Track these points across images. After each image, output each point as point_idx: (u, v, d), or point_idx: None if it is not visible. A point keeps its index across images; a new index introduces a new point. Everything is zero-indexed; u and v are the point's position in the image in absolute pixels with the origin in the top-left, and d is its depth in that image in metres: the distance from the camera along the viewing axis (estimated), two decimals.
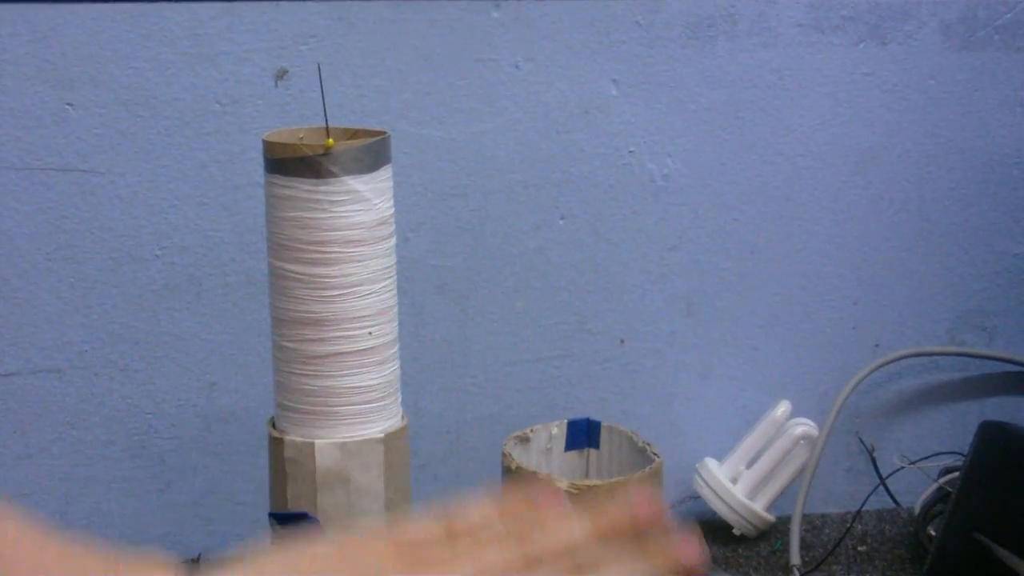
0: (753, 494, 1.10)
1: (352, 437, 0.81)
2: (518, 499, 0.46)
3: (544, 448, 1.03)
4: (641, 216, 1.11)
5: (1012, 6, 1.11)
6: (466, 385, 1.11)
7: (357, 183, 0.79)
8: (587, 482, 0.91)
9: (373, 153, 0.80)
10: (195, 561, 0.38)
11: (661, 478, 0.96)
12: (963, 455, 1.02)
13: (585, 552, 0.45)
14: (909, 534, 1.11)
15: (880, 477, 1.13)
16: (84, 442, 1.06)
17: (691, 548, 0.46)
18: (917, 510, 1.09)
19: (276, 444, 0.82)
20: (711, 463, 1.12)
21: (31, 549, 0.36)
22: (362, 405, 0.82)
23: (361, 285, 0.81)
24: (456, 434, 1.11)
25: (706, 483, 1.10)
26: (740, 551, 1.10)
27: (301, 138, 0.81)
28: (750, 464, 1.11)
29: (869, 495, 1.12)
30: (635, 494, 0.47)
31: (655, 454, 0.97)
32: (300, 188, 0.79)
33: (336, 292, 0.80)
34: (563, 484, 0.92)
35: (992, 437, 0.98)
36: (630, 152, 1.10)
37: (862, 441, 1.17)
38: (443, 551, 0.43)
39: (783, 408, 1.12)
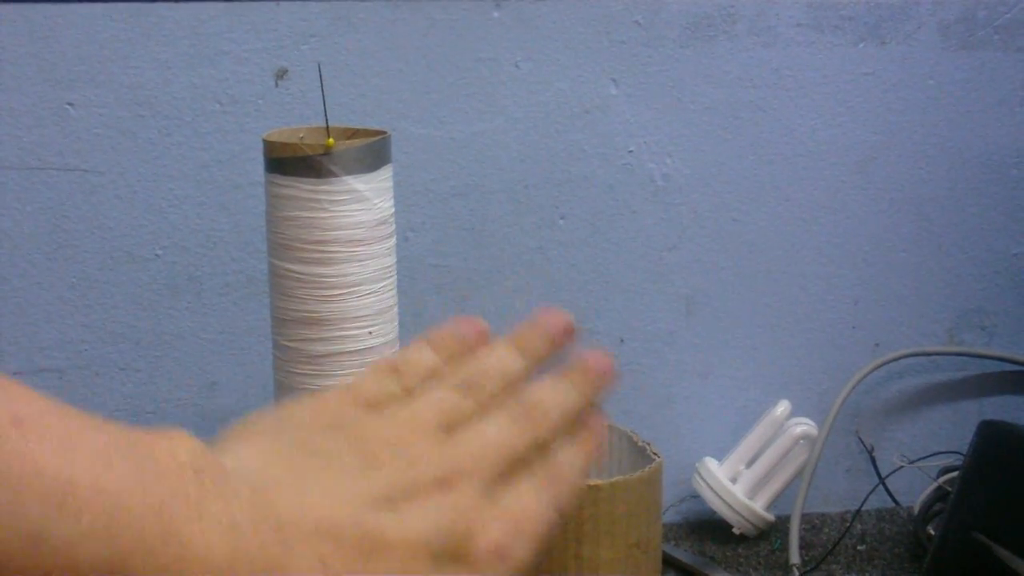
0: (753, 493, 1.10)
1: None
2: (451, 339, 0.51)
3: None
4: (641, 216, 1.11)
5: (1011, 6, 1.12)
6: None
7: (357, 183, 0.79)
8: (588, 481, 0.91)
9: (373, 153, 0.80)
10: None
11: (661, 477, 0.96)
12: (962, 454, 1.02)
13: (521, 380, 0.50)
14: (908, 533, 1.11)
15: (879, 476, 1.13)
16: None
17: (601, 358, 0.52)
18: (916, 509, 1.09)
19: None
20: (711, 462, 1.12)
21: (53, 421, 0.37)
22: None
23: (361, 285, 0.81)
24: None
25: (706, 482, 1.10)
26: (740, 550, 1.10)
27: (301, 138, 0.81)
28: (750, 463, 1.11)
29: (868, 494, 1.12)
30: (546, 314, 0.53)
31: (655, 453, 0.97)
32: (300, 188, 0.79)
33: (336, 292, 0.80)
34: None
35: (991, 436, 0.98)
36: (630, 152, 1.10)
37: (861, 440, 1.17)
38: (395, 389, 0.48)
39: (783, 407, 1.12)
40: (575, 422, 0.50)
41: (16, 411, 0.36)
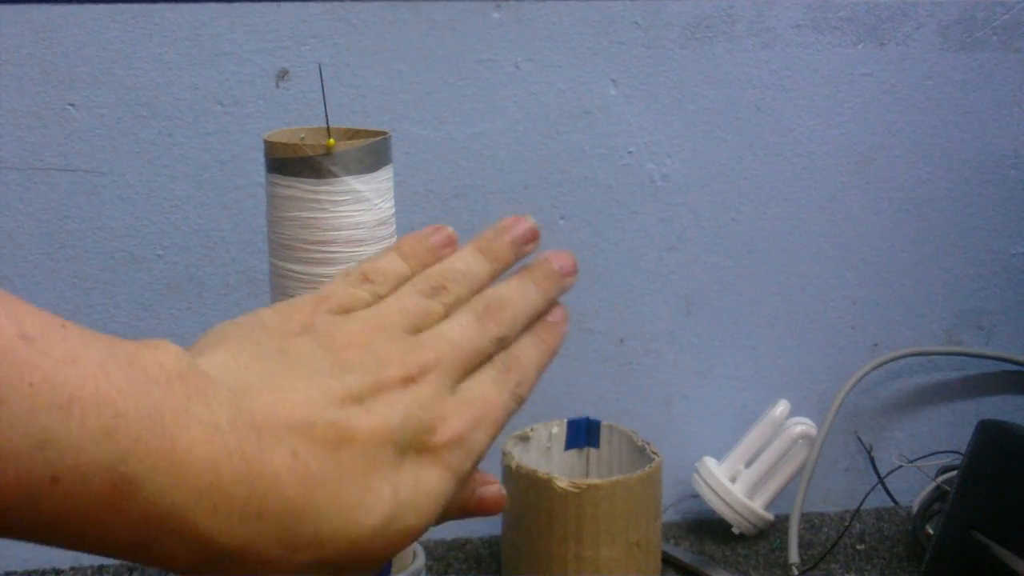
0: (752, 493, 1.11)
1: None
2: (415, 241, 0.54)
3: (544, 447, 1.04)
4: (641, 216, 1.11)
5: (1010, 7, 1.12)
6: None
7: (358, 183, 0.80)
8: (588, 481, 0.92)
9: (374, 153, 0.81)
10: None
11: (660, 477, 0.96)
12: (961, 454, 1.03)
13: (484, 280, 0.53)
14: (907, 533, 1.12)
15: (878, 476, 1.13)
16: None
17: (564, 257, 0.55)
18: (915, 509, 1.10)
19: None
20: (710, 462, 1.12)
21: (59, 334, 0.40)
22: None
23: None
24: None
25: (705, 482, 1.11)
26: (739, 550, 1.10)
27: (302, 138, 0.82)
28: (749, 463, 1.11)
29: (867, 494, 1.12)
30: (511, 220, 0.56)
31: (655, 453, 0.97)
32: (301, 188, 0.80)
33: None
34: (564, 483, 0.92)
35: (990, 436, 0.98)
36: (629, 152, 1.10)
37: (860, 440, 1.17)
38: (366, 297, 0.51)
39: (782, 407, 1.12)
40: (537, 318, 0.53)
41: (24, 327, 0.39)
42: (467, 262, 0.53)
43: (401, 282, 0.52)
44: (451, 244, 0.55)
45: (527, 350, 0.52)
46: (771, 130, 1.12)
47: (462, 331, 0.50)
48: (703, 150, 1.11)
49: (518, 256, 0.55)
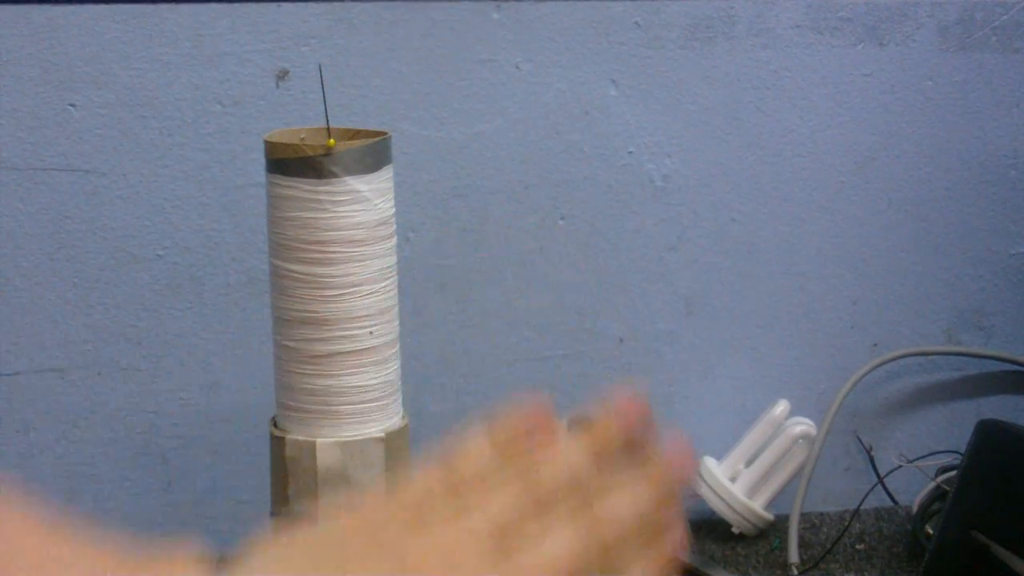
0: (752, 493, 1.11)
1: (353, 436, 0.81)
2: (513, 429, 0.47)
3: None
4: (641, 216, 1.11)
5: (1009, 8, 1.12)
6: (466, 385, 1.11)
7: (358, 183, 0.80)
8: None
9: (374, 153, 0.81)
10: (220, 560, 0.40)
11: None
12: (961, 454, 1.03)
13: (589, 481, 0.46)
14: (907, 532, 1.12)
15: (878, 476, 1.13)
16: (86, 441, 1.07)
17: (683, 453, 0.48)
18: (915, 509, 1.09)
19: (278, 443, 0.83)
20: (710, 462, 1.12)
21: (34, 541, 0.37)
22: (363, 404, 0.82)
23: (362, 285, 0.81)
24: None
25: (705, 482, 1.11)
26: (739, 549, 1.10)
27: (302, 138, 0.82)
28: (749, 463, 1.11)
29: (867, 494, 1.12)
30: (623, 404, 0.48)
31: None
32: (301, 188, 0.80)
33: (337, 292, 0.81)
34: None
35: (989, 436, 0.98)
36: (630, 152, 1.10)
37: (860, 440, 1.17)
38: (450, 505, 0.44)
39: (782, 407, 1.12)
40: (651, 527, 0.46)
41: (13, 539, 0.36)
42: (568, 457, 0.46)
43: (493, 481, 0.45)
44: (548, 424, 0.47)
45: (637, 562, 0.45)
46: (771, 130, 1.12)
47: (559, 548, 0.43)
48: (703, 150, 1.11)
49: (628, 444, 0.48)
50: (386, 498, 0.44)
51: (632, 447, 0.48)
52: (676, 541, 0.46)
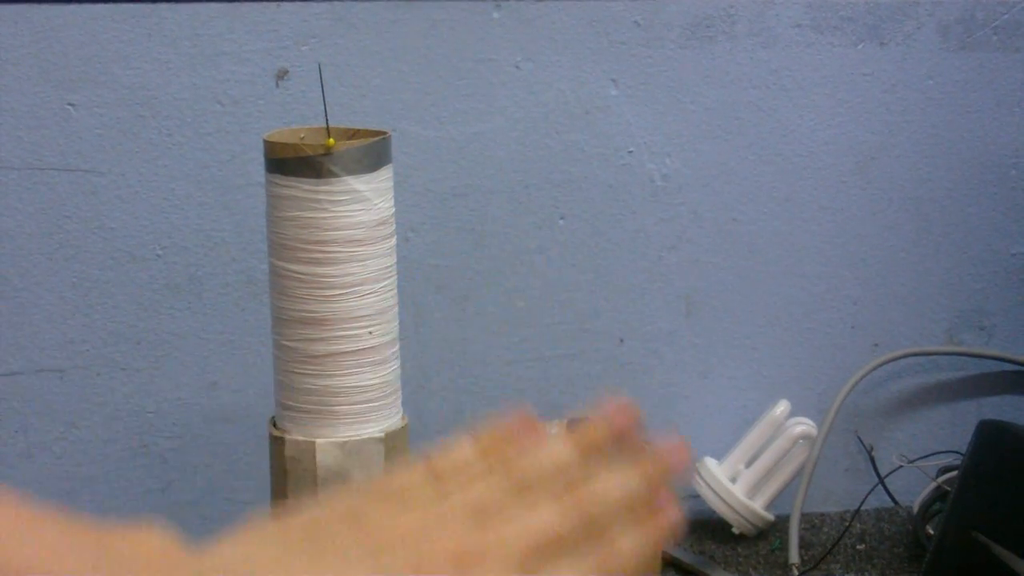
0: (752, 493, 1.10)
1: (353, 436, 0.81)
2: (497, 432, 0.47)
3: None
4: (641, 216, 1.11)
5: (1010, 7, 1.12)
6: (466, 385, 1.11)
7: (358, 183, 0.80)
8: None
9: (374, 153, 0.81)
10: None
11: None
12: (961, 454, 1.02)
13: (573, 469, 0.46)
14: (908, 533, 1.11)
15: (879, 476, 1.13)
16: (85, 441, 1.07)
17: (676, 446, 0.48)
18: (915, 509, 1.09)
19: (277, 443, 0.83)
20: (710, 462, 1.12)
21: (6, 515, 0.37)
22: (362, 404, 0.82)
23: (361, 285, 0.81)
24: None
25: (705, 482, 1.10)
26: (739, 550, 1.10)
27: (302, 138, 0.82)
28: (749, 463, 1.11)
29: (868, 494, 1.12)
30: (610, 406, 0.49)
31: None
32: (301, 188, 0.80)
33: (336, 292, 0.81)
34: None
35: (990, 436, 0.98)
36: (630, 152, 1.10)
37: (861, 440, 1.17)
38: (430, 492, 0.44)
39: (782, 407, 1.12)
40: (639, 505, 0.47)
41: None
42: (553, 451, 0.47)
43: (475, 472, 0.46)
44: (532, 428, 0.48)
45: (628, 542, 0.46)
46: (772, 130, 1.11)
47: (538, 519, 0.43)
48: (704, 150, 1.11)
49: (616, 445, 0.49)
50: (367, 488, 0.44)
51: (622, 444, 0.48)
52: (668, 522, 0.47)
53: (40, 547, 0.36)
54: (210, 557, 0.39)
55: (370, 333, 0.81)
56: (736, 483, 1.10)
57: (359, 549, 0.41)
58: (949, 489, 1.03)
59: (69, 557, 0.37)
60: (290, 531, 0.42)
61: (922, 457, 1.14)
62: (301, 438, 0.81)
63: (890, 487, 1.13)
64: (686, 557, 1.07)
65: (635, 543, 0.46)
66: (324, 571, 0.40)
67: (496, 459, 0.46)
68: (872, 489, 1.12)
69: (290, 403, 0.83)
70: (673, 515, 0.47)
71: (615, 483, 0.46)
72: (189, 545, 0.39)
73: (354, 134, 0.82)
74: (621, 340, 1.13)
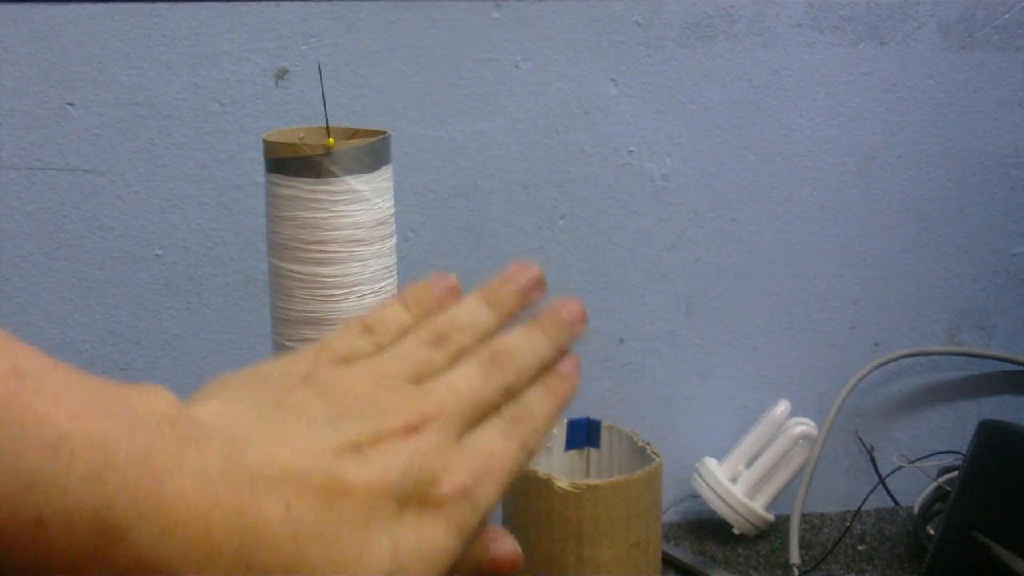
0: (752, 493, 1.10)
1: None
2: (422, 292, 0.52)
3: (544, 447, 1.03)
4: (641, 216, 1.11)
5: (1010, 6, 1.12)
6: None
7: (357, 183, 0.80)
8: (588, 481, 0.92)
9: (373, 153, 0.80)
10: None
11: (661, 477, 0.96)
12: (962, 454, 1.02)
13: (491, 331, 0.51)
14: (908, 533, 1.12)
15: (879, 476, 1.13)
16: None
17: (573, 305, 0.54)
18: (916, 509, 1.09)
19: None
20: (710, 462, 1.12)
21: (52, 373, 0.40)
22: None
23: (361, 285, 0.81)
24: None
25: (705, 482, 1.11)
26: (739, 550, 1.10)
27: (301, 138, 0.82)
28: (749, 463, 1.11)
29: (868, 494, 1.12)
30: (516, 268, 0.54)
31: (655, 453, 0.97)
32: (300, 188, 0.80)
33: (336, 292, 0.81)
34: (564, 484, 0.92)
35: (991, 436, 0.98)
36: (630, 152, 1.10)
37: (861, 440, 1.17)
38: (366, 346, 0.49)
39: (782, 407, 1.12)
40: (546, 368, 0.51)
41: (16, 363, 0.39)
42: (471, 311, 0.51)
43: (404, 332, 0.51)
44: (455, 293, 0.53)
45: (536, 401, 0.50)
46: (772, 129, 1.11)
47: (467, 381, 0.48)
48: (703, 150, 1.11)
49: (524, 304, 0.54)
50: (316, 345, 0.49)
51: (529, 306, 0.54)
52: (570, 380, 0.52)
53: (80, 406, 0.39)
54: (203, 421, 0.42)
55: None
56: (736, 483, 1.10)
57: (323, 414, 0.44)
58: (949, 489, 1.03)
59: (104, 417, 0.39)
60: (259, 393, 0.45)
61: (922, 457, 1.14)
62: None
63: (890, 487, 1.13)
64: (686, 557, 1.07)
65: (546, 406, 0.50)
66: (298, 436, 0.43)
67: (421, 314, 0.51)
68: (872, 489, 1.12)
69: None
70: (574, 375, 0.52)
71: (527, 345, 0.51)
72: (185, 407, 0.43)
73: (354, 134, 0.82)
74: (621, 340, 1.13)
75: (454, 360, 0.49)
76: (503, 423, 0.48)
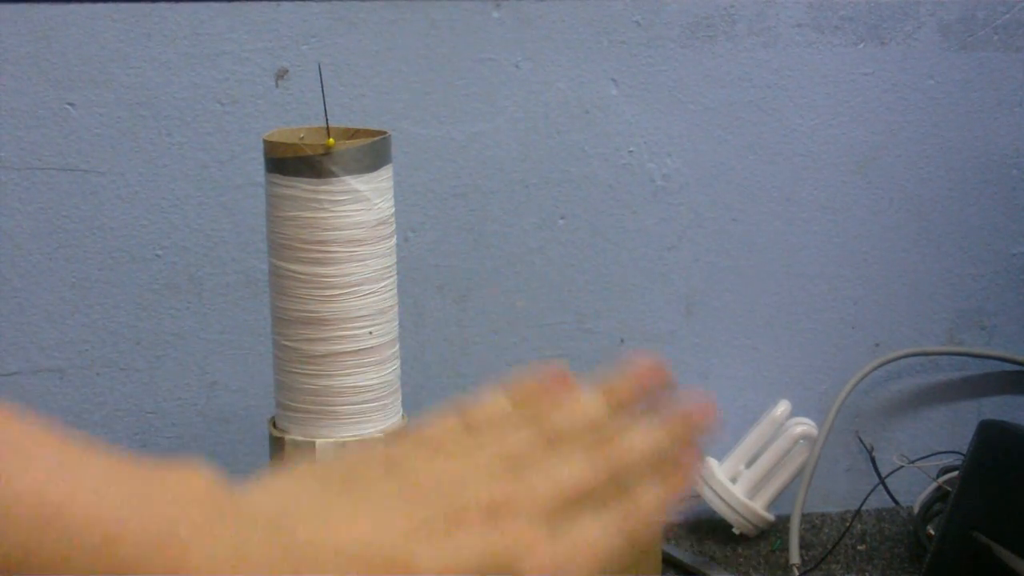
0: (753, 493, 1.10)
1: (352, 436, 0.81)
2: (529, 384, 0.48)
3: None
4: (641, 216, 1.11)
5: (1011, 6, 1.12)
6: (466, 385, 1.11)
7: (357, 183, 0.80)
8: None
9: (373, 153, 0.80)
10: None
11: None
12: (962, 454, 1.02)
13: (604, 424, 0.48)
14: (908, 533, 1.11)
15: (879, 476, 1.13)
16: None
17: (704, 404, 0.49)
18: (916, 509, 1.09)
19: (277, 443, 0.83)
20: (711, 462, 1.12)
21: (49, 449, 0.38)
22: (362, 404, 0.82)
23: (361, 285, 0.81)
24: None
25: (706, 482, 1.10)
26: (740, 550, 1.10)
27: (301, 138, 0.82)
28: (750, 463, 1.11)
29: (868, 494, 1.12)
30: (639, 361, 0.50)
31: None
32: (300, 188, 0.80)
33: (336, 292, 0.81)
34: None
35: (991, 436, 0.98)
36: (630, 152, 1.10)
37: (861, 440, 1.17)
38: (464, 441, 0.45)
39: (783, 407, 1.12)
40: (664, 461, 0.48)
41: (11, 436, 0.38)
42: (582, 403, 0.48)
43: (504, 421, 0.47)
44: (565, 384, 0.49)
45: (647, 491, 0.47)
46: (772, 129, 1.11)
47: (567, 471, 0.45)
48: (704, 150, 1.11)
49: (644, 398, 0.50)
50: (402, 436, 0.46)
51: (650, 400, 0.50)
52: (688, 479, 0.48)
53: (82, 480, 0.37)
54: (250, 498, 0.40)
55: (370, 333, 0.81)
56: (737, 483, 1.10)
57: (395, 496, 0.41)
58: (950, 489, 1.03)
59: (111, 491, 0.37)
60: (328, 476, 0.43)
61: (923, 457, 1.14)
62: (301, 438, 0.81)
63: (891, 487, 1.13)
64: (686, 557, 1.07)
65: (656, 498, 0.47)
66: (361, 516, 0.40)
67: (529, 411, 0.47)
68: (873, 489, 1.12)
69: (290, 403, 0.82)
70: (692, 468, 0.49)
71: (642, 439, 0.47)
72: (229, 485, 0.40)
73: (354, 134, 0.82)
74: (621, 340, 1.13)
75: (558, 450, 0.46)
76: (609, 516, 0.45)
